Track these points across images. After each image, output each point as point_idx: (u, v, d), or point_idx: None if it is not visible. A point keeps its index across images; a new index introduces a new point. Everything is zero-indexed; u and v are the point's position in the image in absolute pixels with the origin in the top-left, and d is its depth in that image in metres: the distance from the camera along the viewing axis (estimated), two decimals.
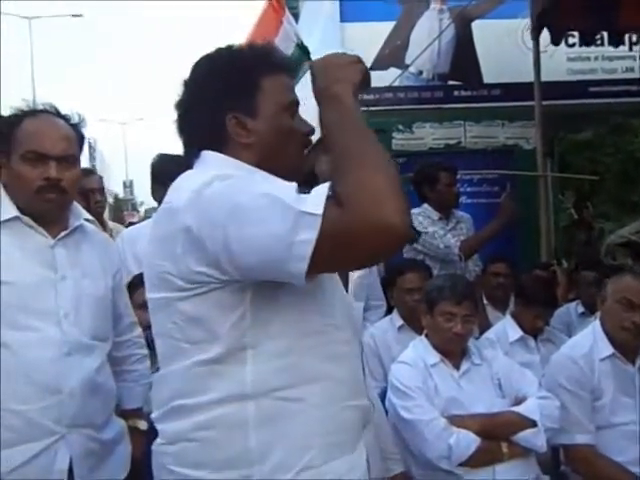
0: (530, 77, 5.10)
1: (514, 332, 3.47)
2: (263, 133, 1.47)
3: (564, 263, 5.89)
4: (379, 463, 2.49)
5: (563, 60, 6.24)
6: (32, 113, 2.02)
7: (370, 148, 1.31)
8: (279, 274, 1.29)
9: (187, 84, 1.52)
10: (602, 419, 2.67)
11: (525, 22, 5.67)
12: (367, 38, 6.09)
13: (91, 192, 3.97)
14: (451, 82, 6.30)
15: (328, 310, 1.46)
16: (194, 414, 1.38)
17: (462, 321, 2.68)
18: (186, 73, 1.53)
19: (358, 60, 1.47)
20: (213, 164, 1.46)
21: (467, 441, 2.51)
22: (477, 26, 6.14)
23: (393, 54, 6.13)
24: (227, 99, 1.47)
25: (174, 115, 1.54)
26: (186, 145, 1.54)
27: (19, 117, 2.01)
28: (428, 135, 6.08)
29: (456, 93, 6.32)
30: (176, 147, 1.75)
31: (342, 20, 6.28)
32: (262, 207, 1.27)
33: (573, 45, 6.11)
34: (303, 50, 5.10)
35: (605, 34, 5.62)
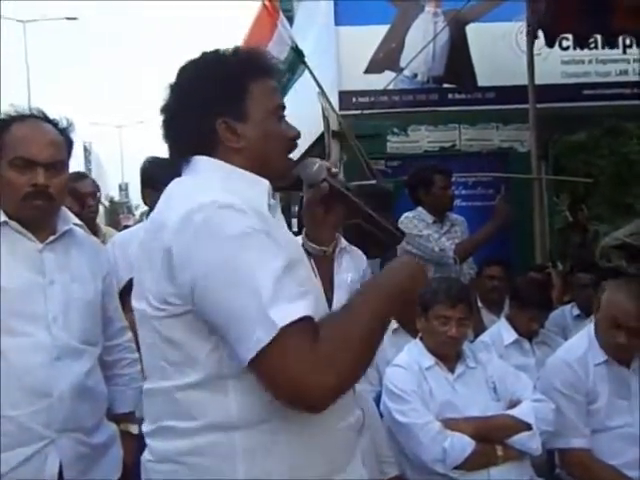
0: (524, 80, 5.10)
1: (509, 335, 3.47)
2: (252, 138, 1.47)
3: (559, 265, 5.89)
4: (375, 467, 2.48)
5: (557, 63, 6.25)
6: (20, 118, 2.01)
7: (367, 340, 1.32)
8: (229, 341, 1.29)
9: (174, 89, 1.50)
10: (597, 422, 2.66)
11: (519, 25, 5.69)
12: (362, 41, 6.11)
13: (85, 196, 3.96)
14: (446, 85, 6.30)
15: None
16: (183, 438, 1.35)
17: (457, 324, 2.67)
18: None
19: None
20: (204, 169, 1.45)
21: (462, 444, 2.50)
22: (471, 29, 6.15)
23: (388, 57, 6.14)
24: (216, 104, 1.45)
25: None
26: (172, 150, 1.52)
27: (7, 122, 2.00)
28: (423, 138, 6.09)
29: (451, 96, 6.32)
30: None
31: (337, 23, 6.29)
32: (238, 280, 1.25)
33: (567, 48, 6.10)
34: (298, 53, 5.12)
35: (599, 37, 5.64)
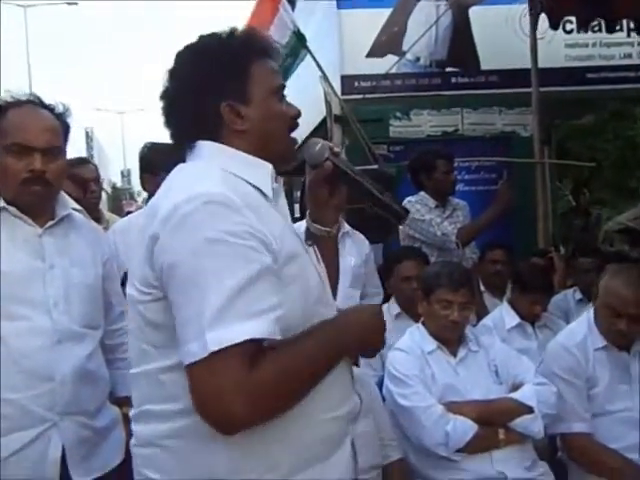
0: (528, 64, 5.07)
1: (511, 319, 3.47)
2: (256, 119, 1.47)
3: (562, 250, 5.89)
4: (377, 450, 2.49)
5: (561, 46, 6.22)
6: (16, 104, 2.00)
7: (305, 382, 1.34)
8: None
9: (173, 74, 1.49)
10: (597, 407, 2.66)
11: (523, 8, 5.64)
12: (364, 25, 6.07)
13: (87, 181, 3.94)
14: (448, 69, 6.26)
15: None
16: (164, 422, 1.36)
17: (459, 308, 2.67)
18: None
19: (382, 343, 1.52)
20: (208, 155, 1.45)
21: (464, 428, 2.51)
22: (474, 12, 6.10)
23: (390, 41, 6.09)
24: (219, 88, 1.45)
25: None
26: (175, 136, 1.51)
27: (3, 108, 1.99)
28: (425, 122, 6.07)
29: (453, 80, 6.30)
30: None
31: (339, 7, 6.27)
32: (192, 286, 1.27)
33: (571, 31, 6.07)
34: (300, 37, 5.08)
35: (602, 21, 5.60)
